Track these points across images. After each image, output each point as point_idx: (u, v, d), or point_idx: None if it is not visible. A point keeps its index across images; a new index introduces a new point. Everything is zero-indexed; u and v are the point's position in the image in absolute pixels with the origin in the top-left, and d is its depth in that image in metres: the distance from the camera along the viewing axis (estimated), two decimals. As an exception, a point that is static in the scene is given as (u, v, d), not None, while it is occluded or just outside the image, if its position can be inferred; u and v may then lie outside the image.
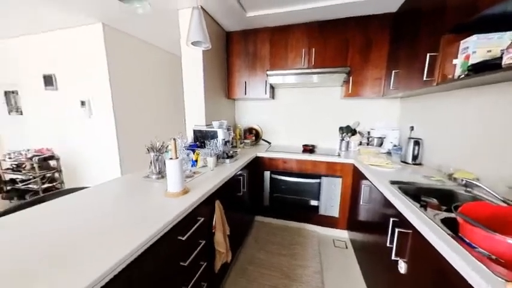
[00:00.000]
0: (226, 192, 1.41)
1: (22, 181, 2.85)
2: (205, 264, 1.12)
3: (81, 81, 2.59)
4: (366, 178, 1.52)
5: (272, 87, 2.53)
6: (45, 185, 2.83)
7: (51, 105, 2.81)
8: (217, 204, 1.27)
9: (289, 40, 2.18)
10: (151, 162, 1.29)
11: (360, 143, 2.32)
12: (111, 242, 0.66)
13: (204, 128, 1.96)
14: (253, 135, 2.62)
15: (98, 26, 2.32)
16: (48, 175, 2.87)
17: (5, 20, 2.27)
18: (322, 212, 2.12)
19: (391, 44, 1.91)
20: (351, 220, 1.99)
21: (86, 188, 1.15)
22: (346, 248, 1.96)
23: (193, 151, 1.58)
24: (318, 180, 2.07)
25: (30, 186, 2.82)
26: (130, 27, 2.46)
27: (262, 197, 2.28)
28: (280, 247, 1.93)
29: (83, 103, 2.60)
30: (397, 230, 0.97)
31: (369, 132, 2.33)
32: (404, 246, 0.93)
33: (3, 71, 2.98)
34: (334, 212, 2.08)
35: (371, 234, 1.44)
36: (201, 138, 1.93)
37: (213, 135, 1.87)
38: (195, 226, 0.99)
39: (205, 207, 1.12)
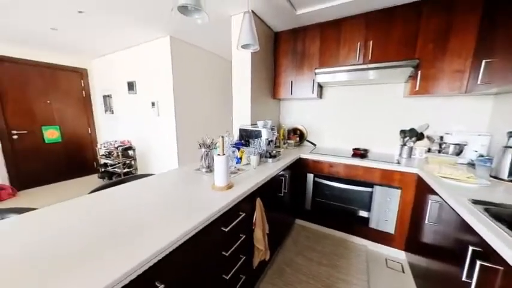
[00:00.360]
0: (267, 191, 1.43)
1: (111, 165, 3.65)
2: (244, 258, 1.17)
3: (152, 86, 3.11)
4: (434, 193, 1.26)
5: (320, 86, 2.40)
6: (125, 170, 3.54)
7: (132, 106, 3.49)
8: (258, 202, 1.30)
9: (342, 34, 2.02)
10: (202, 157, 1.43)
11: (429, 150, 1.93)
12: (171, 221, 0.77)
13: (249, 127, 2.03)
14: (298, 136, 2.56)
15: (167, 38, 2.73)
16: (127, 162, 3.58)
17: (104, 41, 2.96)
18: (373, 225, 1.88)
19: (482, 28, 1.51)
20: (410, 240, 1.69)
21: (152, 174, 1.38)
22: (403, 272, 1.67)
23: (238, 149, 1.67)
24: (369, 189, 1.85)
25: (116, 169, 3.58)
26: (190, 37, 2.79)
27: (304, 200, 2.20)
28: (321, 255, 1.82)
29: (153, 104, 3.12)
30: (478, 262, 0.76)
31: (441, 138, 1.92)
32: (490, 285, 0.73)
33: (103, 81, 3.89)
34: (389, 227, 1.81)
35: (439, 262, 1.18)
36: (246, 137, 2.02)
37: (257, 135, 1.92)
38: (237, 220, 1.05)
39: (246, 203, 1.16)
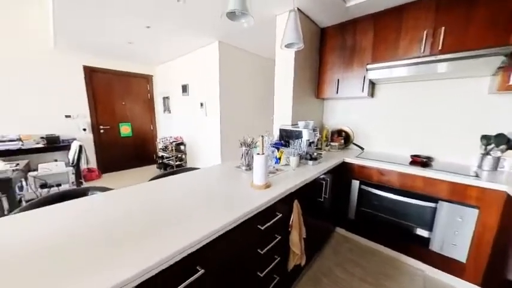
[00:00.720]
0: (306, 194, 1.38)
1: (166, 158, 4.21)
2: (279, 259, 1.16)
3: (202, 88, 3.41)
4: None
5: (372, 84, 2.15)
6: (177, 163, 4.02)
7: (184, 106, 3.92)
8: (296, 204, 1.26)
9: (403, 23, 1.75)
10: (242, 155, 1.49)
11: None
12: (212, 212, 0.84)
13: (290, 128, 2.00)
14: (343, 138, 2.36)
15: (215, 44, 2.95)
16: (179, 156, 4.05)
17: (165, 50, 3.41)
18: (435, 248, 1.57)
19: None
20: (491, 275, 1.33)
21: (198, 168, 1.52)
22: (477, 311, 1.34)
23: (278, 149, 1.66)
24: (432, 205, 1.55)
25: (170, 162, 4.11)
26: (235, 40, 2.93)
27: (347, 208, 2.02)
28: (364, 272, 1.64)
29: (201, 105, 3.43)
30: None
31: (549, 147, 1.44)
32: None
33: (163, 84, 4.50)
34: (459, 254, 1.48)
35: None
36: (286, 138, 1.99)
37: (298, 135, 1.87)
38: (273, 220, 1.05)
39: (283, 204, 1.15)
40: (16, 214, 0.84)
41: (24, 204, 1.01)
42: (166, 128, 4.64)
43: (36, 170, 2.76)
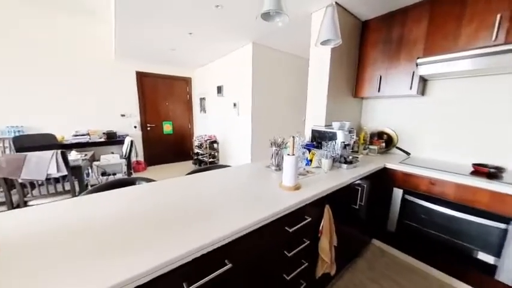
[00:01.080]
0: (338, 199, 1.30)
1: (201, 155, 4.50)
2: (306, 264, 1.12)
3: (235, 89, 3.53)
4: None
5: (423, 80, 1.89)
6: (210, 160, 4.26)
7: (219, 106, 4.12)
8: (327, 210, 1.20)
9: (468, 7, 1.48)
10: (272, 155, 1.49)
11: None
12: (242, 209, 0.87)
13: (323, 129, 1.91)
14: (384, 141, 2.13)
15: (250, 45, 3.01)
16: (212, 153, 4.29)
17: (204, 54, 3.64)
18: (503, 278, 1.29)
19: None
20: None
21: (229, 166, 1.58)
22: None
23: (309, 150, 1.60)
24: (502, 226, 1.27)
25: (204, 158, 4.38)
26: (268, 40, 2.93)
27: (386, 219, 1.82)
28: (406, 293, 1.45)
29: (234, 105, 3.55)
30: None
31: None
32: None
33: (200, 86, 4.82)
34: (539, 290, 1.18)
35: None
36: (319, 139, 1.91)
37: (332, 137, 1.77)
38: (302, 223, 1.02)
39: (313, 208, 1.10)
40: (84, 196, 1.02)
41: (89, 188, 1.21)
42: (202, 127, 4.96)
43: (98, 160, 3.29)
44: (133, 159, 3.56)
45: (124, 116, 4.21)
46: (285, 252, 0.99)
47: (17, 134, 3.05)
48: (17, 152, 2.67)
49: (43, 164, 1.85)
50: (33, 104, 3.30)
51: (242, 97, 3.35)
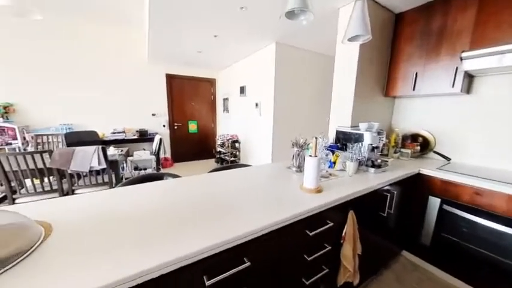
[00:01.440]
0: (364, 205, 1.22)
1: (223, 153, 4.62)
2: (327, 270, 1.08)
3: (257, 89, 3.55)
4: None
5: (469, 76, 1.67)
6: (232, 158, 4.35)
7: (241, 106, 4.19)
8: (351, 215, 1.14)
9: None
10: (293, 156, 1.46)
11: None
12: (261, 209, 0.87)
13: (348, 130, 1.81)
14: (418, 144, 1.94)
15: (273, 45, 3.00)
16: (233, 152, 4.38)
17: (228, 55, 3.73)
18: None
19: None
20: None
21: (250, 166, 1.60)
22: None
23: (333, 152, 1.54)
24: None
25: (226, 157, 4.49)
26: (292, 39, 2.88)
27: (420, 230, 1.66)
28: (442, 314, 1.30)
29: (256, 105, 3.57)
30: None
31: None
32: None
33: (223, 87, 4.95)
34: None
35: None
36: (343, 140, 1.81)
37: (358, 139, 1.67)
38: (323, 228, 0.98)
39: (336, 213, 1.06)
40: (119, 188, 1.13)
41: (124, 180, 1.34)
42: (225, 127, 5.09)
43: (132, 155, 3.60)
44: (161, 155, 3.82)
45: (155, 115, 4.54)
46: (305, 256, 0.97)
47: (67, 131, 3.50)
48: (67, 146, 3.07)
49: (87, 158, 2.09)
50: (80, 105, 3.75)
51: (264, 97, 3.36)
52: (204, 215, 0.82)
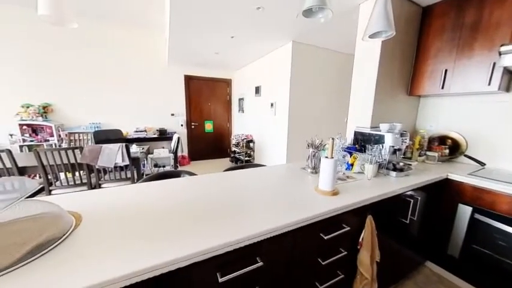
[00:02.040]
0: (384, 211, 1.16)
1: (238, 153, 4.67)
2: (342, 276, 1.04)
3: (273, 89, 3.53)
4: None
5: (509, 73, 1.51)
6: (246, 158, 4.38)
7: (256, 106, 4.20)
8: (369, 220, 1.08)
9: None
10: (309, 157, 1.43)
11: None
12: (275, 210, 0.87)
13: (368, 131, 1.73)
14: (447, 147, 1.79)
15: (289, 44, 2.96)
16: (248, 152, 4.41)
17: (244, 56, 3.76)
18: None
19: None
20: None
21: (264, 165, 1.60)
22: None
23: (351, 154, 1.48)
24: None
25: (240, 157, 4.54)
26: (309, 38, 2.82)
27: (447, 240, 1.53)
28: (472, 334, 1.19)
29: (272, 105, 3.55)
30: None
31: None
32: None
33: (239, 87, 5.01)
34: None
35: None
36: (362, 142, 1.74)
37: (378, 140, 1.59)
38: (339, 232, 0.95)
39: (353, 217, 1.02)
40: (141, 183, 1.20)
41: (144, 176, 1.41)
42: (239, 126, 5.15)
43: (152, 153, 3.79)
44: (179, 153, 3.97)
45: (173, 115, 4.73)
46: (319, 259, 0.94)
47: (96, 129, 3.79)
48: (95, 143, 3.32)
49: (112, 155, 2.25)
50: (107, 105, 4.03)
51: (279, 97, 3.33)
52: (218, 212, 0.84)
